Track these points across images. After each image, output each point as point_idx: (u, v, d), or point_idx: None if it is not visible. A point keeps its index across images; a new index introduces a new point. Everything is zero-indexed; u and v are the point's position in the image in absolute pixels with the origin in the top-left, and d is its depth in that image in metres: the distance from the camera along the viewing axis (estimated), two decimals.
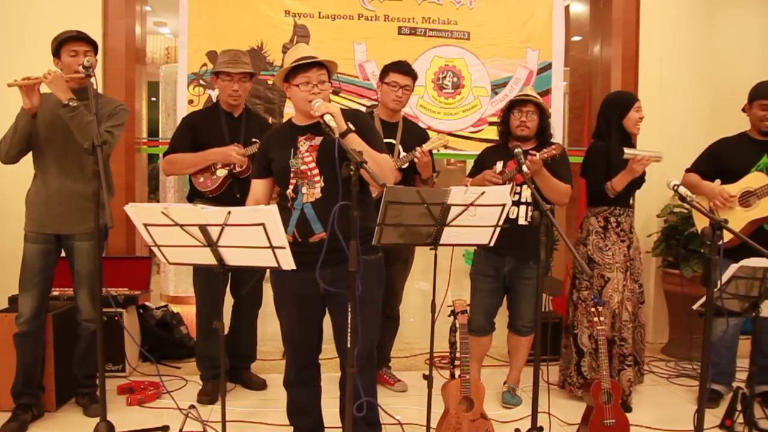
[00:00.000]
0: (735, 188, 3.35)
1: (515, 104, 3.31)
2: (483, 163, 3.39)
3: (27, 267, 3.06)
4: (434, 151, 3.41)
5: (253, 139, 3.31)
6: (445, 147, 3.47)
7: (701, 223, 3.48)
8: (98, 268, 2.53)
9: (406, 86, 3.40)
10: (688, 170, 3.57)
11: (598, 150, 3.46)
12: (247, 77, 3.40)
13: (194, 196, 3.42)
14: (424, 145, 3.25)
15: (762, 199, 3.26)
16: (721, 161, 3.47)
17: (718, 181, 3.47)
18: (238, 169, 3.31)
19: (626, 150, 3.24)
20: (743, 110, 3.47)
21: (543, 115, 3.30)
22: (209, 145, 3.32)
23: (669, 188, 2.65)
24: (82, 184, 3.02)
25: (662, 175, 3.48)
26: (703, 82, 4.65)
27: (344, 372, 2.45)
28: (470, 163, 3.58)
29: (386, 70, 3.46)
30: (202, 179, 3.35)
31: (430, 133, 3.70)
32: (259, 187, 2.54)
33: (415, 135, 3.44)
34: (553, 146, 3.08)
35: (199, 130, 3.38)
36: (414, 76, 3.44)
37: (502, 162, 3.30)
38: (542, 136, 3.31)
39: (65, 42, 2.98)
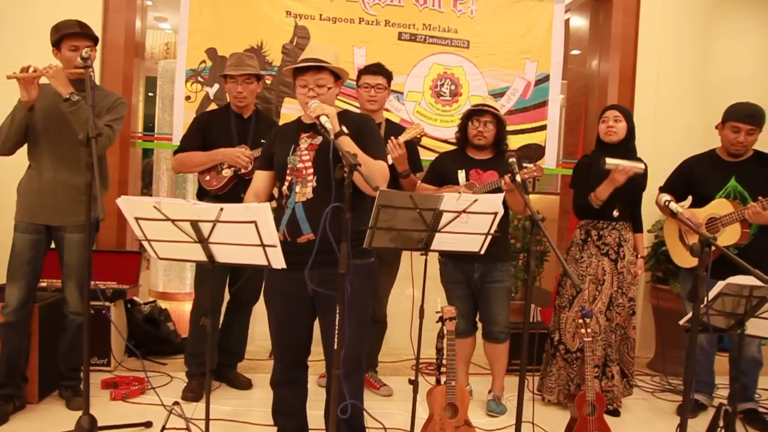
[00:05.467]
0: (702, 213, 3.40)
1: (473, 114, 3.34)
2: (441, 168, 3.42)
3: (16, 256, 3.04)
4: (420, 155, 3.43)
5: (262, 141, 3.32)
6: (422, 135, 3.47)
7: (671, 242, 3.56)
8: (88, 260, 2.52)
9: (377, 85, 3.43)
10: (661, 189, 3.59)
11: (580, 165, 3.58)
12: (252, 79, 3.41)
13: (202, 194, 3.44)
14: (399, 137, 3.25)
15: (727, 227, 3.30)
16: (691, 180, 3.52)
17: (689, 200, 3.54)
18: (242, 171, 3.32)
19: (608, 160, 3.25)
20: (716, 128, 3.49)
21: (500, 125, 3.32)
22: (218, 145, 3.35)
23: (660, 205, 2.68)
24: (76, 175, 3.01)
25: (653, 191, 3.53)
26: (699, 98, 4.68)
27: (330, 375, 2.45)
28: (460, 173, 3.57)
29: (359, 75, 3.53)
30: (208, 178, 3.38)
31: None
32: (260, 179, 2.55)
33: (398, 134, 3.41)
34: (534, 168, 3.10)
35: (209, 130, 3.41)
36: (386, 75, 3.47)
37: (463, 171, 3.32)
38: (498, 146, 3.35)
39: (66, 36, 2.97)
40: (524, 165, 3.24)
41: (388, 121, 3.59)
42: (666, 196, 2.75)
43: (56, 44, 3.00)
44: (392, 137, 3.23)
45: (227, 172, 3.36)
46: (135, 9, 4.26)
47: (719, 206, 3.35)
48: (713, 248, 2.30)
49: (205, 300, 3.41)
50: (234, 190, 3.36)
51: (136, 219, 2.08)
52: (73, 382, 3.25)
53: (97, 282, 3.78)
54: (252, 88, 3.44)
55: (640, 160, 3.43)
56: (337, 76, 2.45)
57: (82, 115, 2.78)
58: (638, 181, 3.41)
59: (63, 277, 3.15)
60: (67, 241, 3.09)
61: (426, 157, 3.64)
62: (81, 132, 2.44)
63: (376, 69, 3.48)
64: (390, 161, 3.29)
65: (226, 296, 3.59)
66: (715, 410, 2.93)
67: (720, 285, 2.36)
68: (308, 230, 2.34)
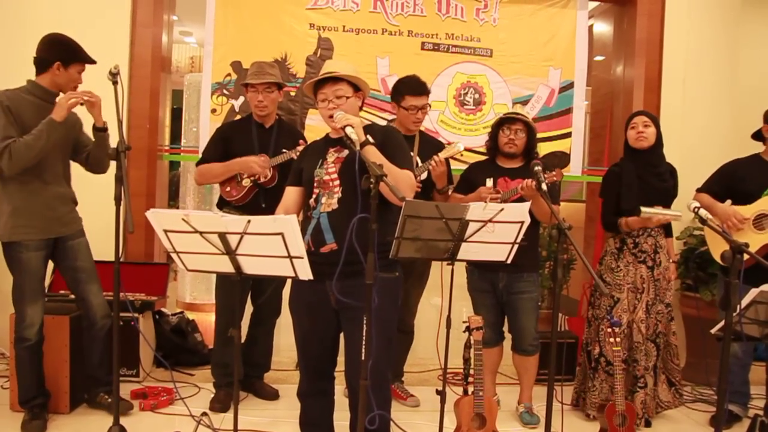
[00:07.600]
0: (749, 210, 3.34)
1: (504, 122, 3.33)
2: (470, 178, 3.41)
3: (32, 276, 3.02)
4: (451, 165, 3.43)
5: (284, 150, 3.34)
6: (462, 155, 3.48)
7: (713, 245, 3.46)
8: (117, 272, 2.57)
9: (424, 106, 3.43)
10: (699, 190, 3.57)
11: (610, 174, 3.54)
12: (273, 88, 3.41)
13: (222, 204, 3.47)
14: (439, 154, 3.25)
15: None
16: (733, 182, 3.47)
17: (728, 202, 3.47)
18: (262, 180, 3.34)
19: (643, 209, 3.24)
20: (755, 136, 3.45)
21: (531, 133, 3.32)
22: (239, 156, 3.35)
23: (689, 210, 2.64)
24: (65, 186, 3.12)
25: (682, 197, 3.48)
26: (726, 103, 4.61)
27: (351, 387, 2.44)
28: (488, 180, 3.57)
29: (401, 93, 3.44)
30: (228, 188, 3.40)
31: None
32: (290, 194, 2.57)
33: (432, 146, 3.45)
34: (554, 172, 3.07)
35: (231, 141, 3.42)
36: (428, 94, 3.47)
37: (491, 179, 3.31)
38: (529, 155, 3.34)
39: (81, 60, 3.02)
40: None
41: (421, 132, 3.60)
42: (695, 203, 2.71)
43: (65, 60, 2.99)
44: (434, 156, 3.23)
45: (247, 182, 3.37)
46: (161, 24, 4.32)
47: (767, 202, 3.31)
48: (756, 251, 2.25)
49: (224, 311, 3.45)
50: (255, 200, 3.38)
51: (165, 231, 2.10)
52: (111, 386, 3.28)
53: (126, 293, 3.82)
54: (273, 96, 3.44)
55: (673, 172, 3.45)
56: (357, 87, 2.48)
57: (109, 144, 2.92)
58: (670, 188, 3.42)
59: (81, 285, 3.18)
60: (77, 247, 3.15)
61: (452, 166, 3.63)
62: (106, 159, 2.57)
63: (422, 89, 3.43)
64: (425, 176, 3.30)
65: (248, 307, 3.60)
66: (751, 421, 2.89)
67: (753, 293, 2.32)
68: (331, 240, 2.34)
